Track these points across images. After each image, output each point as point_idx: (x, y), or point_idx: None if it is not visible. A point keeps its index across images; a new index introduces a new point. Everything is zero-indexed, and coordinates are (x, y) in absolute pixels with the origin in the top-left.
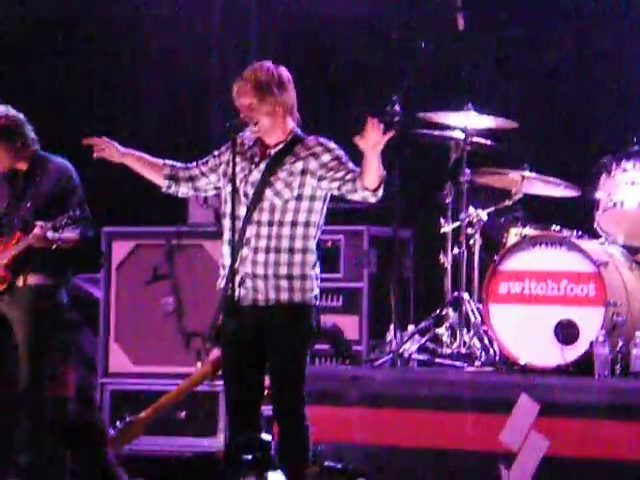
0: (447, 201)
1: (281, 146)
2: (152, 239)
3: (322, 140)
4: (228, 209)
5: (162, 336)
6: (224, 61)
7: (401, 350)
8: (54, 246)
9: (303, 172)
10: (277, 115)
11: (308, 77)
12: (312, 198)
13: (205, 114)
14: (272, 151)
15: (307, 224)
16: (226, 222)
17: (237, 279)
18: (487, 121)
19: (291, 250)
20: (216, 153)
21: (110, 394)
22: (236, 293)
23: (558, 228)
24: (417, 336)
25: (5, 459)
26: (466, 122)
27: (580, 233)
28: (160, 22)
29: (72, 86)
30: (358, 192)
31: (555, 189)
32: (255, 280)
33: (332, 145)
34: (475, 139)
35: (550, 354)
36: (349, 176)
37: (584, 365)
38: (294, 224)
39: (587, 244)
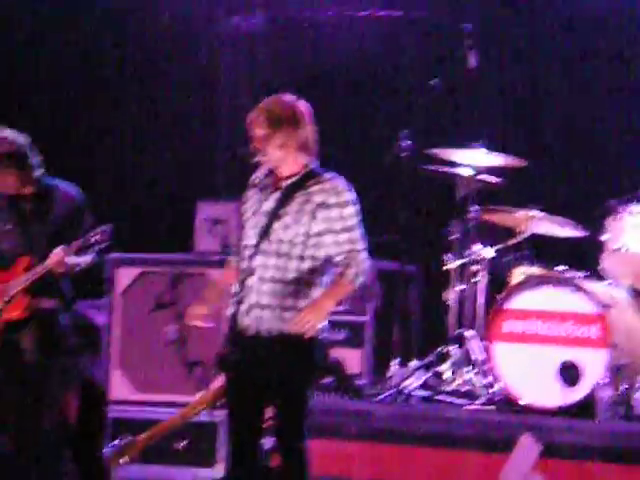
0: (453, 237)
1: (294, 179)
2: (157, 266)
3: (339, 186)
4: (246, 240)
5: (165, 364)
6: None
7: (403, 386)
8: (74, 271)
9: (312, 214)
10: (289, 148)
11: (317, 109)
12: (320, 234)
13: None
14: (284, 184)
15: (315, 258)
16: (244, 252)
17: (243, 308)
18: (496, 159)
19: (298, 282)
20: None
21: (112, 422)
22: (241, 323)
23: (564, 268)
24: (419, 372)
25: None
26: (475, 159)
27: (586, 274)
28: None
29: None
30: (325, 272)
31: (562, 229)
32: (261, 310)
33: (345, 198)
34: (483, 176)
35: (552, 395)
36: (339, 258)
37: (586, 407)
38: (301, 258)
39: (593, 286)
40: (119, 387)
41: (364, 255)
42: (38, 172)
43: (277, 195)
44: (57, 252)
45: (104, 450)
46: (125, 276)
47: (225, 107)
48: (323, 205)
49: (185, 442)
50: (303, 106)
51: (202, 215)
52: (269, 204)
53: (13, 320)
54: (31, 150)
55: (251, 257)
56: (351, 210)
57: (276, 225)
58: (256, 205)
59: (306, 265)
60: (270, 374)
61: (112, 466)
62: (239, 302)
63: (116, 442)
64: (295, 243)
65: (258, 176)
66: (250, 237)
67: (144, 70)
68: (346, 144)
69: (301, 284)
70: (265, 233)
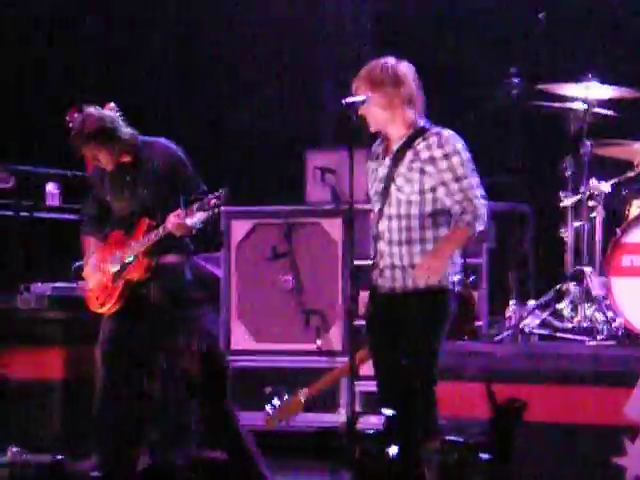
0: (568, 174)
1: (404, 139)
2: (270, 218)
3: (443, 138)
4: (371, 206)
5: (282, 314)
6: (337, 38)
7: (521, 325)
8: (194, 232)
9: (422, 171)
10: (395, 108)
11: (428, 57)
12: (433, 189)
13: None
14: (395, 146)
15: (435, 213)
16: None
17: (377, 272)
18: (609, 91)
19: (422, 240)
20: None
21: (233, 370)
22: (378, 284)
23: None
24: (538, 311)
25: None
26: (587, 93)
27: None
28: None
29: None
30: (449, 224)
31: None
32: (392, 271)
33: (451, 148)
34: (596, 110)
35: None
36: (456, 208)
37: None
38: (422, 216)
39: None
40: (238, 337)
41: (480, 201)
42: (131, 139)
43: (389, 159)
44: (174, 216)
45: (266, 407)
46: (239, 229)
47: (330, 57)
48: (430, 160)
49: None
50: (405, 67)
51: (312, 165)
52: (383, 170)
53: (135, 280)
54: (119, 121)
55: (377, 222)
56: (459, 159)
57: (392, 188)
58: (374, 174)
59: (428, 222)
60: (407, 328)
61: (271, 427)
62: (375, 265)
63: (275, 402)
64: (413, 202)
65: (376, 144)
66: (375, 204)
67: (246, 21)
68: (456, 85)
69: (426, 242)
70: (385, 198)
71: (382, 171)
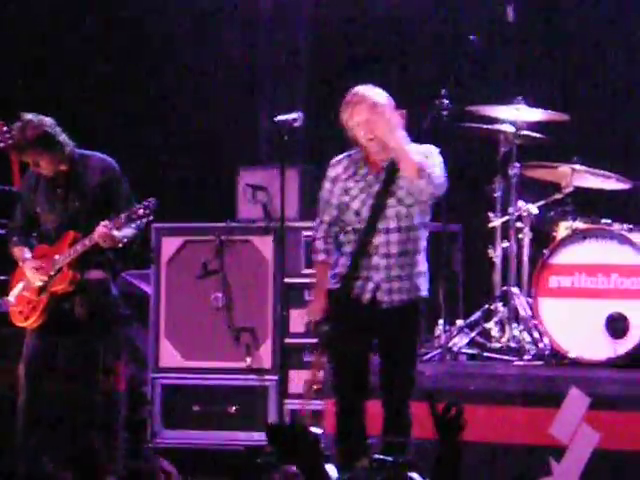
0: (496, 195)
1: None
2: (201, 235)
3: (432, 149)
4: (358, 225)
5: (212, 331)
6: (272, 54)
7: (450, 344)
8: (120, 245)
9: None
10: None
11: (355, 71)
12: (422, 201)
13: (253, 108)
14: (383, 164)
15: (423, 225)
16: (349, 236)
17: (370, 286)
18: (537, 114)
19: (416, 250)
20: (335, 190)
21: (161, 388)
22: (369, 298)
23: (609, 221)
24: (466, 330)
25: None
26: (516, 115)
27: (631, 226)
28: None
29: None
30: (413, 188)
31: (606, 182)
32: (392, 283)
33: (438, 159)
34: (525, 132)
35: (600, 348)
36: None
37: (634, 358)
38: (421, 225)
39: (638, 237)
40: (167, 355)
41: (442, 176)
42: (69, 148)
43: (384, 174)
44: (102, 226)
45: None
46: (170, 245)
47: (266, 73)
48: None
49: (236, 407)
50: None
51: (243, 182)
52: (375, 185)
53: (59, 293)
54: (57, 128)
55: (368, 236)
56: (437, 157)
57: (390, 202)
58: (364, 193)
59: (419, 234)
60: (388, 337)
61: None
62: (356, 278)
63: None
64: (413, 214)
65: (346, 166)
66: (361, 218)
67: (184, 39)
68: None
69: (418, 251)
70: (379, 212)
71: (375, 187)
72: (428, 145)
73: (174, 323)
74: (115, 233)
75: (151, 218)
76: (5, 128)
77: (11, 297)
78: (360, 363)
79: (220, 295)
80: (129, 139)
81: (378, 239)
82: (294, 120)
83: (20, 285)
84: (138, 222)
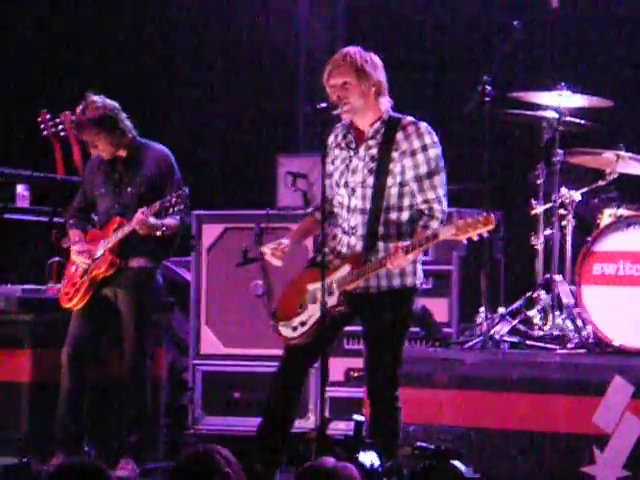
0: (539, 182)
1: (377, 129)
2: (241, 222)
3: (421, 130)
4: (340, 199)
5: (252, 318)
6: (311, 42)
7: (492, 332)
8: (159, 233)
9: (402, 163)
10: (370, 96)
11: (398, 58)
12: (409, 182)
13: (292, 96)
14: (369, 136)
15: (412, 207)
16: (342, 212)
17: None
18: (580, 100)
19: (400, 235)
20: (328, 160)
21: (202, 375)
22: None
23: None
24: (508, 318)
25: (106, 438)
26: (559, 101)
27: None
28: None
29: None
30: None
31: None
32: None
33: (428, 140)
34: (568, 119)
35: None
36: (422, 206)
37: None
38: (400, 209)
39: None
40: (208, 342)
41: (444, 205)
42: (130, 135)
43: (363, 150)
44: (140, 213)
45: None
46: (210, 233)
47: (304, 60)
48: (410, 152)
49: None
50: (375, 56)
51: (283, 170)
52: (357, 161)
53: (99, 277)
54: (121, 114)
55: (347, 216)
56: (434, 152)
57: (369, 180)
58: (344, 164)
59: (405, 216)
60: (369, 322)
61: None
62: (337, 255)
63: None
64: (391, 195)
65: (337, 134)
66: (344, 196)
67: (224, 27)
68: (428, 91)
69: (404, 236)
70: (359, 190)
71: (355, 162)
72: (426, 128)
73: (215, 310)
74: (152, 220)
75: (184, 207)
76: (48, 116)
77: (63, 280)
78: None
79: (260, 282)
80: (172, 127)
81: (354, 219)
82: (334, 107)
83: (72, 268)
84: (177, 211)
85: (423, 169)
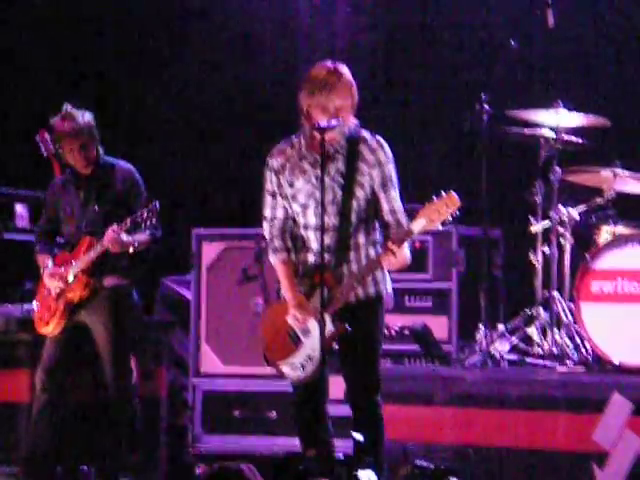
0: (537, 200)
1: (342, 144)
2: (241, 241)
3: (382, 142)
4: (308, 219)
5: (251, 337)
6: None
7: (491, 350)
8: (131, 250)
9: (370, 174)
10: (349, 114)
11: (394, 76)
12: (377, 192)
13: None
14: (333, 151)
15: (378, 216)
16: (308, 233)
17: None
18: (578, 118)
19: (374, 243)
20: (269, 189)
21: (202, 394)
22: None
23: None
24: (507, 336)
25: (103, 459)
26: (556, 120)
27: None
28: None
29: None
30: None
31: None
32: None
33: (389, 153)
34: (566, 137)
35: None
36: (389, 218)
37: None
38: (368, 219)
39: None
40: (208, 361)
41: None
42: (100, 152)
43: (331, 167)
44: (110, 230)
45: None
46: (210, 251)
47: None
48: (377, 163)
49: (276, 412)
50: None
51: None
52: (326, 179)
53: (76, 300)
54: (95, 130)
55: (319, 236)
56: (393, 165)
57: (339, 197)
58: (309, 184)
59: (375, 225)
60: (358, 333)
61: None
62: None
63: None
64: (361, 207)
65: (287, 155)
66: (313, 216)
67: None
68: (425, 109)
69: (372, 244)
70: (331, 208)
71: (325, 180)
72: (383, 141)
73: (214, 329)
74: (124, 237)
75: (156, 222)
76: (47, 135)
77: (35, 304)
78: None
79: (260, 301)
80: (168, 146)
81: (325, 236)
82: (335, 125)
83: (45, 292)
84: (148, 226)
85: (389, 180)
